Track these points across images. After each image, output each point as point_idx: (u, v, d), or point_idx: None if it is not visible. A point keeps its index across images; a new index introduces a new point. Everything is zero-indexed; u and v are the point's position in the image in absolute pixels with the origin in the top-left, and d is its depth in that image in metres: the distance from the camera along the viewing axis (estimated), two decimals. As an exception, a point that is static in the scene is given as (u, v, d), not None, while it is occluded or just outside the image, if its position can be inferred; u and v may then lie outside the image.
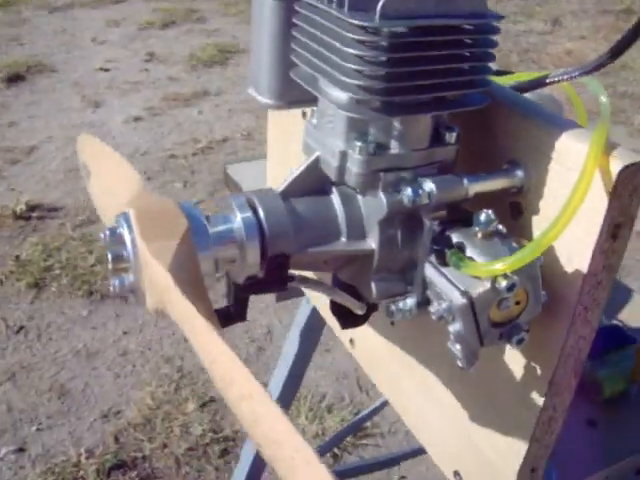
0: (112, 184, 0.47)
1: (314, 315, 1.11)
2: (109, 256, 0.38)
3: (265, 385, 1.19)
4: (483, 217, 0.38)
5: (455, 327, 0.39)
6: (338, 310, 0.51)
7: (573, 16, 6.02)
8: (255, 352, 2.26)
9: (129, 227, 0.37)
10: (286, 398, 1.17)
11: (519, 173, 0.42)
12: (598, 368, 0.60)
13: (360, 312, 0.49)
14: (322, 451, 1.55)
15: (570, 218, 0.36)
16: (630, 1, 6.39)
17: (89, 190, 0.55)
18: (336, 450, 1.96)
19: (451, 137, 0.41)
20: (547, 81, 0.47)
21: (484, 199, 0.41)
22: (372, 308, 0.50)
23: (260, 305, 2.47)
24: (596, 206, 0.37)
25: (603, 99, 0.42)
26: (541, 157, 0.40)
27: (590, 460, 0.57)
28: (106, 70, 4.18)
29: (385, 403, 1.53)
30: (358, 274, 0.43)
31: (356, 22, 0.34)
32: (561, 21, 5.77)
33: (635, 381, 0.62)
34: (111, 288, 0.39)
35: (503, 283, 0.37)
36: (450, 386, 0.52)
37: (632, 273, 2.43)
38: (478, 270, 0.37)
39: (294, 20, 0.41)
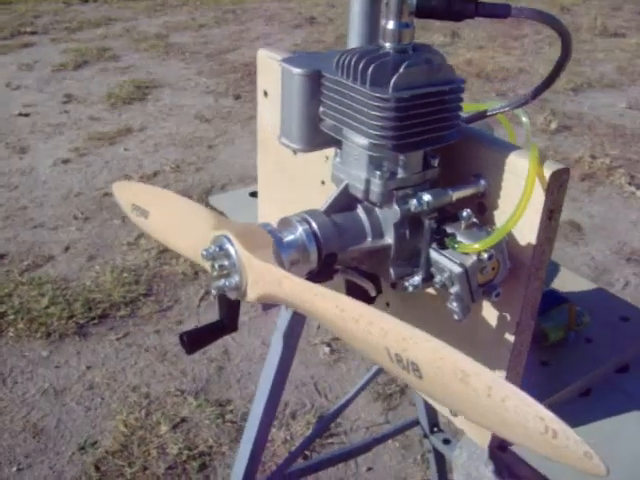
0: (182, 218, 0.63)
1: (294, 320, 1.27)
2: (216, 266, 0.54)
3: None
4: (465, 214, 0.58)
5: (455, 289, 0.57)
6: (353, 295, 0.69)
7: (470, 28, 6.43)
8: (216, 371, 2.40)
9: (231, 244, 0.54)
10: (274, 400, 1.32)
11: (482, 182, 0.61)
12: (543, 322, 0.79)
13: (373, 294, 0.67)
14: (295, 455, 1.69)
15: (524, 209, 0.55)
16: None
17: (148, 228, 0.70)
18: (306, 451, 2.13)
19: (435, 162, 0.60)
20: (488, 114, 0.68)
21: (460, 202, 0.61)
22: (379, 292, 0.68)
23: (216, 326, 2.59)
24: (537, 199, 0.57)
25: (524, 119, 0.62)
26: (498, 171, 0.60)
27: (542, 388, 0.77)
28: (26, 115, 4.21)
29: (346, 404, 1.70)
30: (378, 264, 0.61)
31: (376, 95, 0.53)
32: (459, 33, 6.16)
33: (571, 330, 0.82)
34: (213, 291, 0.55)
35: (485, 255, 0.56)
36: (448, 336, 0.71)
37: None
38: (468, 248, 0.56)
39: (322, 90, 0.59)
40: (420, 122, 0.55)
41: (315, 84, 0.61)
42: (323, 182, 0.84)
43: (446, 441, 1.76)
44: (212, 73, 5.06)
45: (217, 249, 0.55)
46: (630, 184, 3.66)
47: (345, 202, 0.60)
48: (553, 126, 4.39)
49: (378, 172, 0.57)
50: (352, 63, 0.55)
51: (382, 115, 0.54)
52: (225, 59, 5.38)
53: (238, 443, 2.15)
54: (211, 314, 2.63)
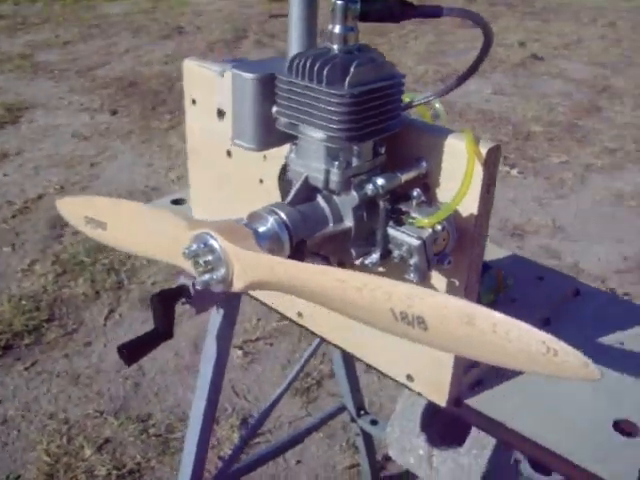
0: (148, 224, 0.67)
1: (225, 322, 1.31)
2: (200, 262, 0.58)
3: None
4: (415, 193, 0.65)
5: (413, 260, 0.64)
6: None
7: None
8: (132, 388, 2.38)
9: (215, 239, 0.58)
10: (213, 403, 1.36)
11: (424, 164, 0.68)
12: (476, 287, 0.89)
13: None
14: (230, 462, 1.71)
15: (469, 185, 0.63)
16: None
17: (107, 239, 0.73)
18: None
19: (382, 150, 0.67)
20: (414, 104, 0.75)
21: (407, 184, 0.68)
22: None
23: (123, 348, 2.56)
24: (477, 175, 0.65)
25: (437, 105, 0.70)
26: (437, 153, 0.67)
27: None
28: None
29: (272, 405, 1.74)
30: (339, 246, 0.67)
31: (333, 92, 0.59)
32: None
33: (499, 292, 0.92)
34: (198, 286, 0.59)
35: (438, 227, 0.63)
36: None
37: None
38: (423, 223, 0.63)
39: (277, 91, 0.64)
40: (371, 114, 0.61)
41: (267, 87, 0.66)
42: (261, 180, 0.88)
43: (373, 422, 1.84)
44: (84, 90, 4.94)
45: (201, 246, 0.58)
46: (504, 164, 3.92)
47: (305, 193, 0.65)
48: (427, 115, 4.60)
49: (336, 162, 0.63)
50: (307, 65, 0.61)
51: (339, 110, 0.60)
52: (96, 75, 5.26)
53: (166, 455, 2.15)
54: (120, 331, 2.60)
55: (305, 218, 0.64)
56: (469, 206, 0.67)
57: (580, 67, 6.00)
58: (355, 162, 0.64)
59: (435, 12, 0.64)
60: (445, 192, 0.68)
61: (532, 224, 3.40)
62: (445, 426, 1.59)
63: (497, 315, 0.47)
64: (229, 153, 0.91)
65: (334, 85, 0.60)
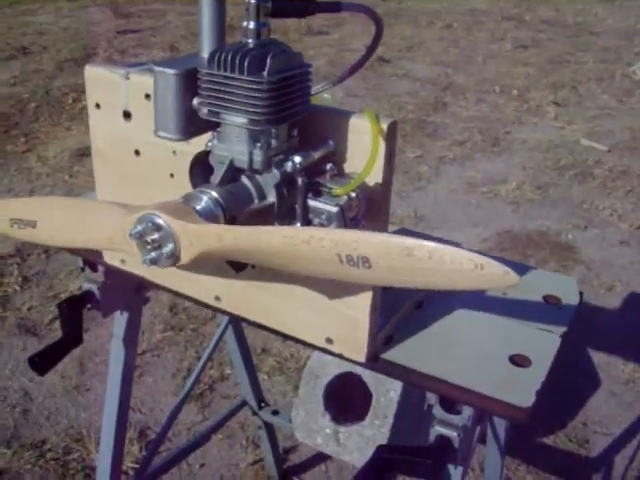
0: (83, 215, 0.70)
1: (130, 324, 1.34)
2: (149, 240, 0.64)
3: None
4: (329, 167, 0.74)
5: (333, 225, 0.73)
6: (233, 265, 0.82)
7: (185, 40, 6.61)
8: (21, 415, 2.31)
9: (160, 218, 0.63)
10: (125, 409, 1.38)
11: (331, 143, 0.77)
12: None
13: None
14: (139, 473, 1.71)
15: (376, 156, 0.72)
16: (229, 19, 7.22)
17: (39, 236, 0.75)
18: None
19: (295, 132, 0.75)
20: (312, 92, 0.84)
21: (319, 160, 0.76)
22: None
23: (6, 372, 2.49)
24: (380, 148, 0.74)
25: (326, 95, 0.80)
26: (343, 132, 0.76)
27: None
28: None
29: (171, 418, 1.76)
30: (264, 220, 0.74)
31: (255, 80, 0.66)
32: (176, 46, 6.31)
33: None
34: (147, 264, 0.65)
35: (352, 194, 0.72)
36: (313, 287, 0.86)
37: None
38: (339, 192, 0.72)
39: (199, 84, 0.71)
40: (287, 99, 0.70)
41: (188, 81, 0.72)
42: (172, 175, 0.94)
43: (275, 412, 1.91)
44: None
45: (148, 225, 0.64)
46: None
47: (231, 174, 0.72)
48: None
49: (258, 144, 0.70)
50: (229, 58, 0.68)
51: (260, 96, 0.67)
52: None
53: (66, 478, 2.10)
54: None
55: (234, 196, 0.70)
56: (375, 175, 0.76)
57: (424, 67, 6.38)
58: (274, 143, 0.72)
59: (335, 8, 0.73)
60: (351, 165, 0.77)
61: (396, 216, 3.60)
62: (346, 404, 1.69)
63: (431, 244, 0.56)
64: (137, 152, 0.95)
65: (254, 74, 0.67)
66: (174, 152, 0.91)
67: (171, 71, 0.72)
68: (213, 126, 0.75)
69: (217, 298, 0.98)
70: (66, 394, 2.45)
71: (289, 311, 0.91)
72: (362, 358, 0.89)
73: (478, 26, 8.01)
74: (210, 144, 0.75)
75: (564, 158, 4.51)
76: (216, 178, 0.72)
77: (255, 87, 0.67)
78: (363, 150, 0.76)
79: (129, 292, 1.29)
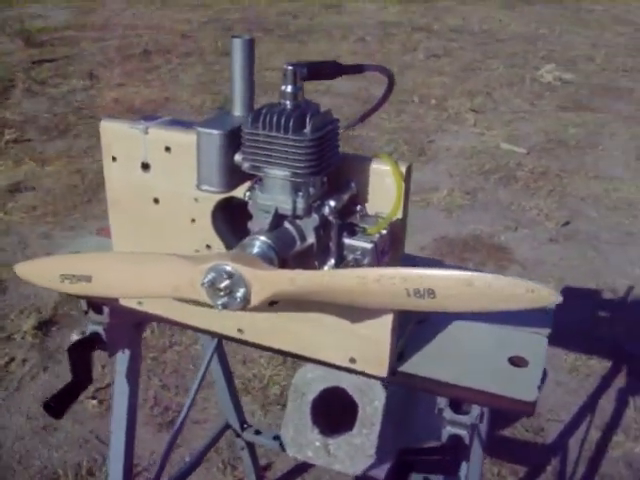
0: (146, 269, 0.77)
1: (132, 360, 1.39)
2: (221, 286, 0.71)
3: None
4: (359, 208, 0.83)
5: (367, 260, 0.82)
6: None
7: (102, 67, 6.55)
8: (-8, 462, 2.28)
9: (231, 267, 0.71)
10: (131, 441, 1.42)
11: (353, 185, 0.86)
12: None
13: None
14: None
15: (401, 197, 0.83)
16: (145, 44, 7.21)
17: (94, 289, 0.81)
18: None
19: (325, 178, 0.84)
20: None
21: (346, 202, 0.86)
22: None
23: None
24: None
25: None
26: (364, 175, 0.86)
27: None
28: None
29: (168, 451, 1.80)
30: (303, 260, 0.83)
31: (298, 138, 0.75)
32: (97, 75, 6.24)
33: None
34: (220, 307, 0.72)
35: (384, 232, 0.82)
36: (337, 313, 0.95)
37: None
38: (373, 230, 0.82)
39: (243, 142, 0.79)
40: (324, 153, 0.79)
41: (230, 139, 0.80)
42: (193, 220, 1.01)
43: (258, 432, 1.98)
44: None
45: (218, 275, 0.71)
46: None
47: (277, 221, 0.80)
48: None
49: (300, 193, 0.79)
50: (274, 119, 0.76)
51: (303, 152, 0.76)
52: None
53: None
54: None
55: (281, 241, 0.79)
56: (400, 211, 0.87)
57: (343, 82, 6.53)
58: (312, 191, 0.81)
59: (358, 69, 0.83)
60: (372, 204, 0.87)
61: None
62: (332, 416, 1.78)
63: (489, 275, 0.66)
64: (156, 200, 1.02)
65: (297, 133, 0.76)
66: (196, 199, 0.99)
67: (215, 132, 0.80)
68: (250, 177, 0.83)
69: (240, 330, 1.06)
70: (35, 435, 2.44)
71: (314, 337, 1.00)
72: (384, 373, 0.99)
73: (390, 38, 8.26)
74: (248, 194, 0.83)
75: (487, 163, 4.74)
76: (264, 225, 0.80)
77: (299, 144, 0.76)
78: (383, 191, 0.86)
79: (130, 330, 1.35)
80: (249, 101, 0.85)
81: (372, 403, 1.72)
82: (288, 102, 0.79)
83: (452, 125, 5.57)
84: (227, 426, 1.96)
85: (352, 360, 1.00)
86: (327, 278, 0.70)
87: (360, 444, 1.70)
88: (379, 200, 0.87)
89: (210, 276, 0.72)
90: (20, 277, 0.87)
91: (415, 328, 1.10)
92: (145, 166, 1.01)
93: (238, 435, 1.98)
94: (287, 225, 0.81)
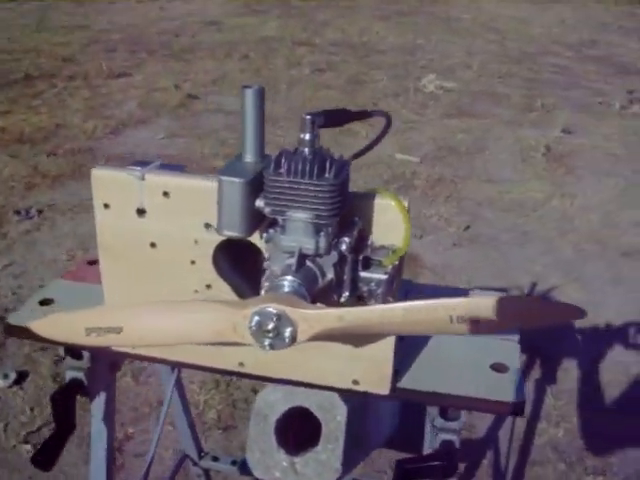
0: (182, 317, 0.80)
1: (108, 403, 1.39)
2: (269, 328, 0.76)
3: None
4: (370, 242, 0.90)
5: (381, 290, 0.89)
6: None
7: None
8: None
9: (276, 309, 0.75)
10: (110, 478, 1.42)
11: (357, 220, 0.93)
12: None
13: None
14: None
15: (409, 231, 0.90)
16: (25, 68, 6.93)
17: (124, 340, 0.83)
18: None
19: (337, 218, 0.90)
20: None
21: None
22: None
23: None
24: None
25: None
26: (367, 211, 0.93)
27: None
28: None
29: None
30: (322, 294, 0.89)
31: (322, 183, 0.81)
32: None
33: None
34: (267, 348, 0.76)
35: (396, 262, 0.89)
36: (342, 340, 1.01)
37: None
38: (387, 262, 0.88)
39: (266, 187, 0.83)
40: (343, 195, 0.85)
41: (252, 186, 0.85)
42: (193, 262, 1.04)
43: (215, 458, 1.99)
44: None
45: (264, 318, 0.76)
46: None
47: (302, 260, 0.86)
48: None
49: (322, 233, 0.85)
50: (298, 166, 0.82)
51: (327, 196, 0.82)
52: None
53: None
54: None
55: (307, 279, 0.84)
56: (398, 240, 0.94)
57: (233, 100, 6.56)
58: (331, 230, 0.87)
59: (367, 115, 0.90)
60: (380, 239, 0.94)
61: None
62: (295, 434, 1.83)
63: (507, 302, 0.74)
64: (153, 244, 1.04)
65: (320, 178, 0.82)
66: (196, 241, 1.02)
67: (238, 180, 0.84)
68: (266, 219, 0.88)
69: (241, 364, 1.09)
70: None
71: (318, 363, 1.05)
72: (387, 391, 1.06)
73: (273, 54, 8.36)
74: (266, 236, 0.88)
75: (385, 173, 4.93)
76: (285, 265, 0.85)
77: (323, 189, 0.82)
78: (386, 224, 0.93)
79: (107, 372, 1.34)
80: (261, 147, 0.90)
81: (335, 419, 1.79)
82: (306, 149, 0.84)
83: (345, 138, 5.71)
84: (185, 456, 1.96)
85: (355, 382, 1.06)
86: (376, 313, 0.76)
87: (326, 459, 1.76)
88: (383, 233, 0.94)
89: (256, 319, 0.76)
90: (36, 334, 0.87)
91: (400, 344, 1.18)
92: (141, 211, 1.03)
93: (195, 464, 1.99)
94: (309, 264, 0.86)
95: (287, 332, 0.77)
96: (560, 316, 0.76)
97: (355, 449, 1.82)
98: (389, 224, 0.93)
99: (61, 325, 0.86)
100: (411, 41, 9.13)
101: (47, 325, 0.87)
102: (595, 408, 2.77)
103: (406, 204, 0.92)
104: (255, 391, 2.86)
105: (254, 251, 1.08)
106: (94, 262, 1.41)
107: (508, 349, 1.19)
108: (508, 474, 2.45)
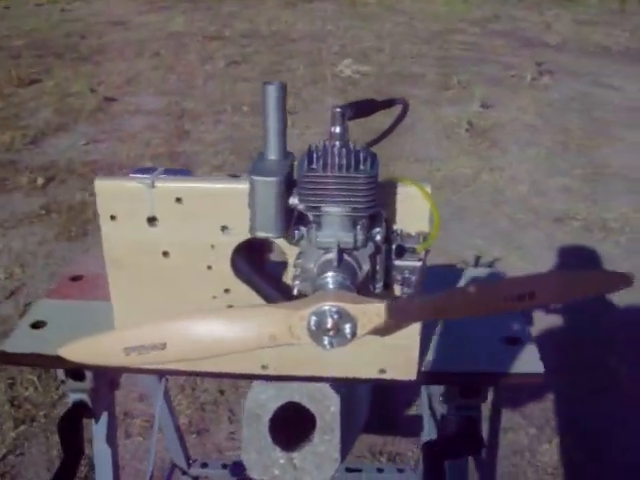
0: (230, 326, 0.77)
1: (110, 423, 1.35)
2: (328, 326, 0.75)
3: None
4: (400, 231, 0.90)
5: (414, 278, 0.89)
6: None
7: None
8: None
9: (336, 307, 0.75)
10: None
11: (382, 211, 0.93)
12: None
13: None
14: None
15: (438, 218, 0.90)
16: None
17: (168, 356, 0.79)
18: None
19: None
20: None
21: (383, 226, 0.92)
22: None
23: None
24: (426, 207, 0.93)
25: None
26: (392, 200, 0.93)
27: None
28: None
29: None
30: (364, 285, 0.88)
31: (359, 176, 0.81)
32: None
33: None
34: (328, 347, 0.75)
35: (427, 248, 0.90)
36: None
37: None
38: (420, 249, 0.89)
39: (300, 184, 0.82)
40: (378, 188, 0.85)
41: (285, 184, 0.83)
42: (209, 267, 1.01)
43: (204, 465, 1.96)
44: None
45: (324, 317, 0.75)
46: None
47: (340, 256, 0.85)
48: (40, 182, 4.52)
49: (358, 226, 0.84)
50: (334, 159, 0.81)
51: (364, 188, 0.81)
52: None
53: None
54: None
55: (349, 273, 0.84)
56: (424, 227, 0.95)
57: (151, 99, 6.42)
58: (367, 222, 0.86)
59: (391, 103, 0.89)
60: (405, 226, 0.94)
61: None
62: (290, 427, 1.82)
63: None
64: (165, 253, 1.01)
65: (357, 170, 0.82)
66: (212, 246, 0.99)
67: (272, 179, 0.82)
68: (297, 217, 0.87)
69: (264, 367, 1.08)
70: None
71: (342, 357, 1.04)
72: (414, 377, 1.07)
73: (184, 49, 8.22)
74: (299, 233, 0.87)
75: (317, 161, 4.93)
76: (323, 261, 0.84)
77: (360, 181, 0.81)
78: (411, 212, 0.94)
79: (108, 391, 1.30)
80: (283, 145, 0.88)
81: (329, 410, 1.79)
82: (337, 142, 0.83)
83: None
84: (174, 466, 1.92)
85: (382, 371, 1.06)
86: (443, 301, 0.76)
87: (325, 451, 1.76)
88: (407, 221, 0.94)
89: (314, 319, 0.75)
90: (69, 360, 0.83)
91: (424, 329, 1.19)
92: (151, 220, 0.99)
93: (184, 472, 1.95)
94: (347, 257, 0.86)
95: (347, 328, 0.76)
96: (608, 286, 0.79)
97: (348, 435, 1.83)
98: (413, 211, 0.94)
99: (96, 347, 0.82)
100: (320, 28, 9.16)
101: (80, 350, 0.83)
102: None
103: (429, 190, 0.93)
104: (222, 392, 2.83)
105: (264, 249, 1.07)
106: (78, 278, 1.36)
107: (515, 320, 1.22)
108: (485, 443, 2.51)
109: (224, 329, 0.79)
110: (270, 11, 10.26)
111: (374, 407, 1.50)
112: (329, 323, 0.75)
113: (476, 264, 3.58)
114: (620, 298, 3.21)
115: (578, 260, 3.72)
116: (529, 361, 1.11)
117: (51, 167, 4.76)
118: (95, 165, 4.88)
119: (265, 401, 1.77)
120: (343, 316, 0.75)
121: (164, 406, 1.75)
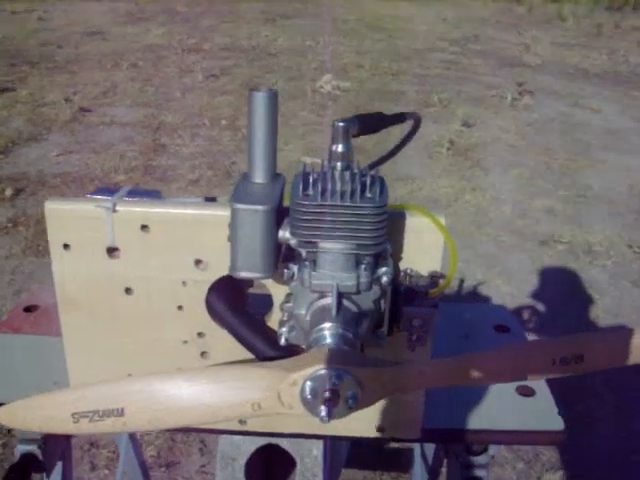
0: (216, 387, 0.62)
1: (66, 471, 1.18)
2: (326, 395, 0.60)
3: None
4: (409, 271, 0.75)
5: (428, 325, 0.75)
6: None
7: None
8: None
9: (341, 370, 0.60)
10: None
11: (387, 246, 0.79)
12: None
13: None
14: None
15: (455, 254, 0.76)
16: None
17: (130, 425, 0.64)
18: None
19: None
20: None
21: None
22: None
23: None
24: (440, 239, 0.78)
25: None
26: (398, 232, 0.78)
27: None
28: None
29: None
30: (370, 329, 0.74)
31: (367, 205, 0.66)
32: None
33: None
34: (324, 420, 0.60)
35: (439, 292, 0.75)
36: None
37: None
38: (434, 293, 0.74)
39: (293, 214, 0.67)
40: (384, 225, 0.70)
41: (274, 215, 0.68)
42: (180, 307, 0.86)
43: None
44: None
45: (322, 382, 0.60)
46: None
47: (339, 300, 0.70)
48: (8, 193, 4.34)
49: (363, 266, 0.69)
50: (335, 185, 0.66)
51: (373, 220, 0.67)
52: None
53: None
54: None
55: (351, 323, 0.69)
56: (434, 265, 0.80)
57: (127, 111, 6.25)
58: (370, 263, 0.71)
59: (402, 119, 0.75)
60: (407, 261, 0.80)
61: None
62: (269, 475, 1.66)
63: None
64: (128, 290, 0.86)
65: (363, 199, 0.67)
66: (184, 283, 0.84)
67: (260, 207, 0.67)
68: (287, 254, 0.72)
69: (242, 422, 0.93)
70: None
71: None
72: (418, 434, 0.92)
73: (163, 61, 8.07)
74: (289, 273, 0.72)
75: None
76: (317, 307, 0.69)
77: (365, 212, 0.67)
78: (422, 248, 0.79)
79: (63, 440, 1.13)
80: (272, 165, 0.74)
81: (311, 453, 1.63)
82: (339, 163, 0.68)
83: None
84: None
85: (380, 429, 0.92)
86: (454, 366, 0.62)
87: (305, 492, 1.61)
88: (414, 257, 0.80)
89: (309, 385, 0.60)
90: (6, 425, 0.67)
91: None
92: (111, 250, 0.84)
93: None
94: (346, 303, 0.71)
95: (350, 395, 0.61)
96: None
97: (331, 474, 1.68)
98: (424, 247, 0.79)
99: (39, 412, 0.66)
100: (300, 43, 9.06)
101: (19, 414, 0.67)
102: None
103: (443, 221, 0.78)
104: (193, 422, 2.65)
105: (244, 285, 0.91)
106: (31, 308, 1.20)
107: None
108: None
109: (195, 395, 0.64)
110: (249, 26, 10.14)
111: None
112: (328, 391, 0.60)
113: (459, 287, 3.45)
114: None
115: (564, 286, 3.62)
116: (545, 417, 0.96)
117: (21, 178, 4.57)
118: (67, 177, 4.70)
119: (239, 443, 1.61)
120: (345, 381, 0.61)
121: (128, 440, 1.58)
